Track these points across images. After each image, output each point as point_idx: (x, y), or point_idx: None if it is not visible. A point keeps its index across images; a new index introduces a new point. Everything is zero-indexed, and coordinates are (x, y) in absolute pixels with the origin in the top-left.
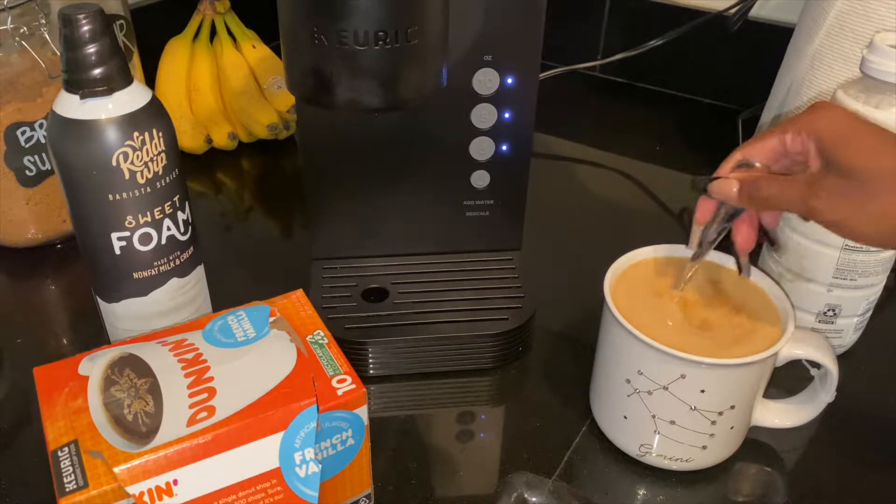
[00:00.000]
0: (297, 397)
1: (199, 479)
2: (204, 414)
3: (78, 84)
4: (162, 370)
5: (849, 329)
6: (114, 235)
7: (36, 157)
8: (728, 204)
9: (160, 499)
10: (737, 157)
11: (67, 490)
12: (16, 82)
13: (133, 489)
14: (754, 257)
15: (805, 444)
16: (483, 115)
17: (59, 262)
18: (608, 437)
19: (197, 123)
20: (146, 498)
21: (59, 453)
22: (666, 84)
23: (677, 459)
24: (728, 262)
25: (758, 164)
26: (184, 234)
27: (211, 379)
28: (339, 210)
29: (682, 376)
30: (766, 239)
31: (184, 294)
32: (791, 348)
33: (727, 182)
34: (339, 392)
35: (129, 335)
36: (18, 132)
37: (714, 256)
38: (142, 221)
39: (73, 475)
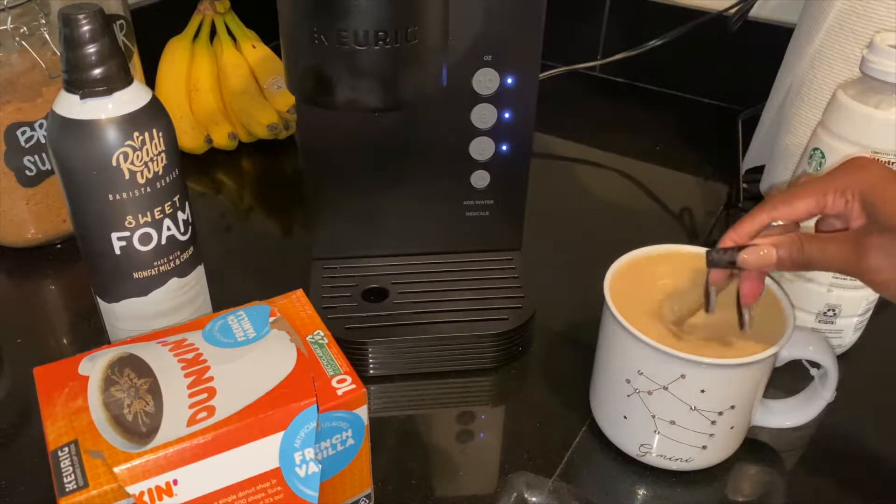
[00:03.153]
0: (297, 397)
1: (199, 479)
2: (204, 414)
3: (78, 84)
4: (162, 370)
5: (849, 329)
6: (114, 235)
7: (36, 157)
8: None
9: (160, 499)
10: (763, 219)
11: (67, 490)
12: (16, 82)
13: (133, 489)
14: None
15: (805, 444)
16: (483, 115)
17: (59, 262)
18: (608, 437)
19: (197, 123)
20: (146, 498)
21: (59, 453)
22: (666, 84)
23: (677, 459)
24: None
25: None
26: (184, 234)
27: (211, 379)
28: (339, 210)
29: (682, 376)
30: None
31: (184, 294)
32: (791, 348)
33: (764, 251)
34: (339, 392)
35: (129, 335)
36: (18, 132)
37: None
38: (142, 221)
39: (73, 475)
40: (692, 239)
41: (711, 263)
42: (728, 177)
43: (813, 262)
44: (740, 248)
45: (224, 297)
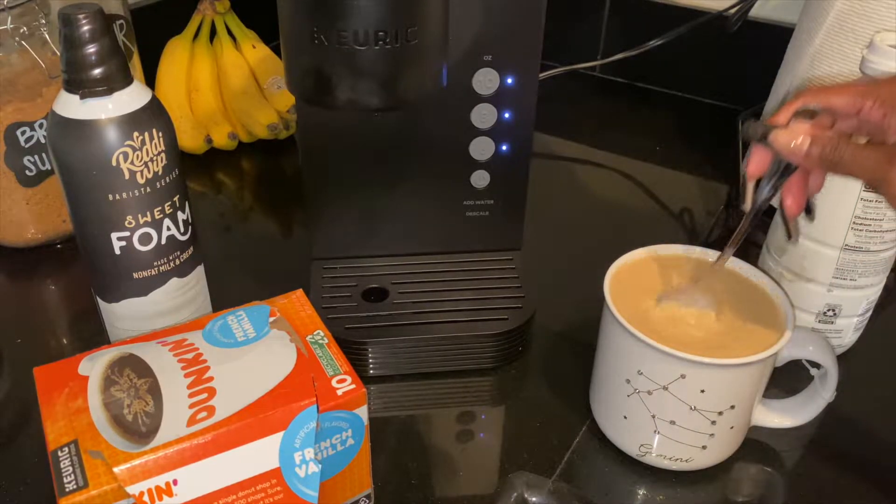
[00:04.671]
0: (297, 397)
1: (199, 479)
2: (204, 414)
3: (78, 84)
4: (162, 370)
5: (849, 329)
6: (114, 235)
7: (36, 157)
8: (783, 160)
9: (160, 499)
10: (799, 103)
11: (67, 490)
12: (16, 82)
13: (133, 489)
14: (753, 258)
15: (805, 444)
16: (483, 115)
17: (59, 262)
18: (608, 437)
19: (197, 123)
20: (146, 498)
21: (59, 453)
22: (666, 84)
23: (677, 459)
24: (730, 261)
25: (819, 110)
26: (184, 234)
27: (211, 379)
28: (339, 210)
29: (682, 376)
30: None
31: (184, 294)
32: (791, 348)
33: (797, 135)
34: (339, 392)
35: (129, 335)
36: (18, 132)
37: (715, 255)
38: (142, 221)
39: (73, 475)
40: (692, 239)
41: (746, 134)
42: (728, 177)
43: (843, 162)
44: (775, 127)
45: (224, 297)
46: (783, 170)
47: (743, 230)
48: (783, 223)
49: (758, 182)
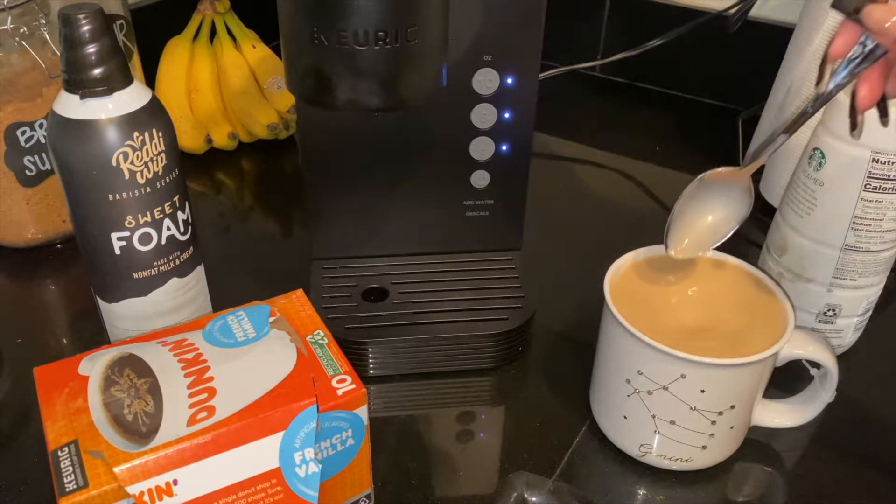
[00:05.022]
0: (297, 397)
1: (199, 479)
2: (204, 414)
3: (78, 84)
4: (162, 370)
5: (849, 329)
6: (114, 235)
7: (36, 157)
8: (870, 43)
9: (160, 499)
10: None
11: (67, 490)
12: (16, 82)
13: (133, 489)
14: (753, 258)
15: (805, 444)
16: (483, 115)
17: (59, 262)
18: (608, 437)
19: (197, 123)
20: (146, 498)
21: (59, 453)
22: (666, 84)
23: (677, 459)
24: (729, 259)
25: None
26: (184, 234)
27: (211, 379)
28: (339, 210)
29: (682, 376)
30: (878, 106)
31: (184, 294)
32: (791, 348)
33: (894, 14)
34: (339, 392)
35: (129, 335)
36: (18, 132)
37: (715, 254)
38: (142, 221)
39: (73, 475)
40: None
41: (836, 5)
42: None
43: None
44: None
45: (224, 297)
46: (867, 54)
47: (808, 114)
48: (850, 115)
49: (840, 65)
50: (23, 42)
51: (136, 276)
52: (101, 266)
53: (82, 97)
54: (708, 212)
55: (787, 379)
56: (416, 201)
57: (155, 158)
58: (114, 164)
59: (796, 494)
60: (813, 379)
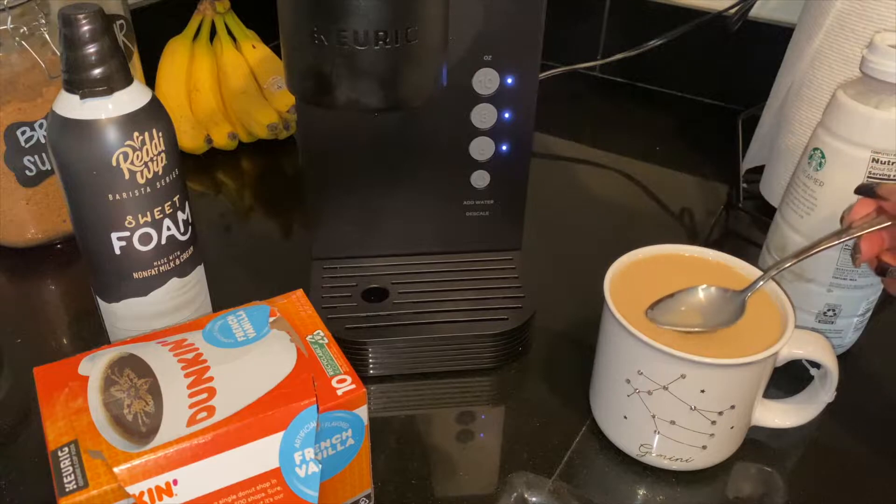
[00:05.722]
0: (297, 397)
1: (199, 479)
2: (204, 414)
3: (78, 84)
4: (162, 370)
5: (849, 329)
6: (114, 235)
7: (36, 157)
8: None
9: (160, 499)
10: None
11: (67, 490)
12: (16, 82)
13: (133, 489)
14: (753, 258)
15: (805, 444)
16: (483, 115)
17: (59, 262)
18: (608, 437)
19: (197, 123)
20: (146, 498)
21: (59, 453)
22: (666, 84)
23: (677, 459)
24: (730, 261)
25: None
26: (184, 234)
27: (211, 379)
28: (339, 210)
29: (682, 376)
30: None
31: (184, 294)
32: (791, 348)
33: None
34: (339, 392)
35: (129, 335)
36: (18, 132)
37: (715, 255)
38: (142, 221)
39: (73, 475)
40: (692, 239)
41: (859, 190)
42: (728, 177)
43: None
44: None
45: (224, 297)
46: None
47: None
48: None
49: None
50: (23, 42)
51: (136, 276)
52: (101, 266)
53: (82, 97)
54: (699, 309)
55: (787, 379)
56: (416, 201)
57: (155, 158)
58: (114, 164)
59: (796, 494)
60: (813, 379)
